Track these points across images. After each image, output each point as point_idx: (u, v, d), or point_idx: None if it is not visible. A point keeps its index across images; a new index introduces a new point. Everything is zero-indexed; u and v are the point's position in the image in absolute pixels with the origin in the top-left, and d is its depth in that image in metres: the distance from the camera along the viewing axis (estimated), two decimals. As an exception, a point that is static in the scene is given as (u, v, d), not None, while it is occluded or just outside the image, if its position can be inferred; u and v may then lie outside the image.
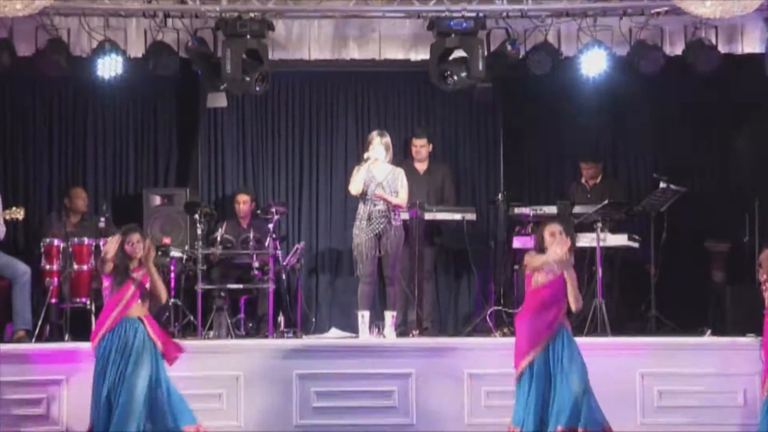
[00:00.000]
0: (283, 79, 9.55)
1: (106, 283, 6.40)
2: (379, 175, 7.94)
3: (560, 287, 6.22)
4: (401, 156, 9.39)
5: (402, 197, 7.96)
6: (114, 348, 6.24)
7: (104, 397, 6.19)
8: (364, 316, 7.89)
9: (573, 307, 6.22)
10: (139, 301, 6.39)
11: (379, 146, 7.94)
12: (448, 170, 9.26)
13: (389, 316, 8.00)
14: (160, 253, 8.47)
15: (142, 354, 6.25)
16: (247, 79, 8.19)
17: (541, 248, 6.30)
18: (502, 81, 9.31)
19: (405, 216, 8.36)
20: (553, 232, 6.28)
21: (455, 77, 8.37)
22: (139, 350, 6.25)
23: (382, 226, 7.87)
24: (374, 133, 8.06)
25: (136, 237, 6.40)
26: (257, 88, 8.29)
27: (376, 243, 7.85)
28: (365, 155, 7.94)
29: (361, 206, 7.96)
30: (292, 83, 9.67)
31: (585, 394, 6.10)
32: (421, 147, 9.11)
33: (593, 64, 8.54)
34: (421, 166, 9.14)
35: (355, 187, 7.91)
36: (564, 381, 6.08)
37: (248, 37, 8.18)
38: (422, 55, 8.72)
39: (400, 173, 8.00)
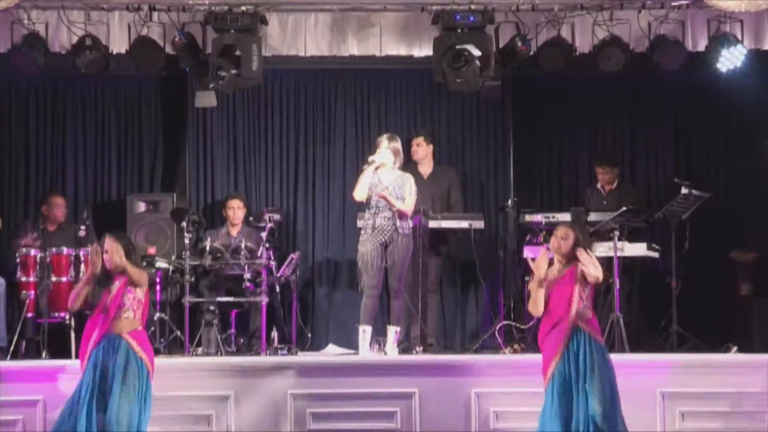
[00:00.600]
0: (277, 77, 9.58)
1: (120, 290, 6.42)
2: (386, 180, 7.98)
3: (567, 287, 6.30)
4: (405, 158, 9.42)
5: (408, 204, 7.99)
6: (94, 367, 6.24)
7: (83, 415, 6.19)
8: (365, 331, 7.90)
9: (591, 278, 6.29)
10: (125, 314, 6.38)
11: (386, 151, 7.96)
12: (454, 175, 9.27)
13: (392, 332, 8.01)
14: (144, 263, 8.49)
15: (127, 373, 6.24)
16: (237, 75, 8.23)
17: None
18: (512, 79, 9.33)
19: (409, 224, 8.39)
20: (556, 233, 6.45)
21: (462, 75, 8.39)
22: (123, 369, 6.24)
23: (388, 235, 7.90)
24: (383, 137, 8.10)
25: (105, 244, 6.46)
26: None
27: (382, 252, 7.87)
28: (370, 158, 7.95)
29: (366, 214, 7.98)
30: (286, 81, 9.69)
31: (611, 407, 6.16)
32: (416, 146, 9.12)
33: (610, 60, 8.56)
34: (425, 170, 9.16)
35: (359, 193, 7.93)
36: (590, 391, 6.13)
37: (239, 31, 8.20)
38: (426, 51, 8.73)
39: (408, 179, 8.03)
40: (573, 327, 6.25)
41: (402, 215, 7.96)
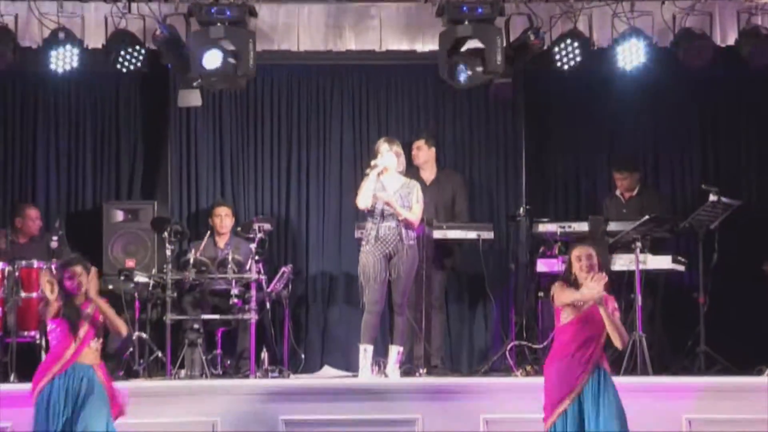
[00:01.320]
0: (267, 74, 9.59)
1: (51, 326, 6.36)
2: (391, 187, 8.00)
3: (596, 320, 6.16)
4: (411, 164, 9.45)
5: (416, 212, 8.02)
6: (60, 398, 6.21)
7: None
8: (366, 351, 7.91)
9: (618, 345, 6.19)
10: (93, 344, 6.37)
11: (388, 154, 7.99)
12: (460, 180, 9.28)
13: (394, 352, 8.02)
14: (122, 277, 8.51)
15: (95, 405, 6.22)
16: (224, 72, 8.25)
17: (569, 275, 6.28)
18: (524, 76, 9.35)
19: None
20: (579, 256, 6.22)
21: (469, 72, 8.40)
22: (92, 401, 6.22)
23: (392, 246, 7.92)
24: (382, 141, 8.13)
25: (77, 270, 6.36)
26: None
27: (385, 265, 7.90)
28: (372, 162, 7.98)
29: (368, 223, 8.01)
30: (278, 79, 9.71)
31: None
32: (417, 149, 9.13)
33: (631, 56, 8.58)
34: (427, 176, 9.17)
35: (363, 200, 7.97)
36: (604, 418, 6.07)
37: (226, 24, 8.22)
38: (430, 45, 8.75)
39: (415, 186, 8.08)
40: (595, 366, 6.17)
41: (408, 225, 7.98)
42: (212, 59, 8.26)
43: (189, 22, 8.53)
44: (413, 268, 8.00)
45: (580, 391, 6.08)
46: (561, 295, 6.18)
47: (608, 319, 6.10)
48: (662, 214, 8.79)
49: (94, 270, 6.42)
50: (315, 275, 9.58)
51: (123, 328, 6.51)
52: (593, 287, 6.04)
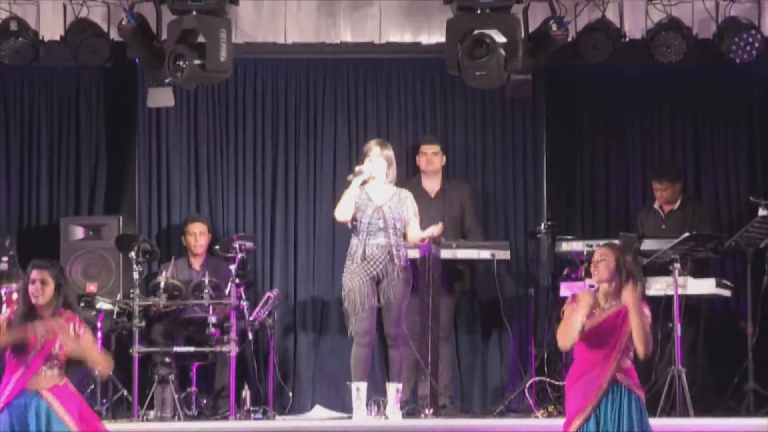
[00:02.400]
0: (250, 70, 9.62)
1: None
2: (379, 198, 7.98)
3: (611, 329, 6.19)
4: (406, 172, 9.45)
5: (417, 228, 8.00)
6: None
7: None
8: (359, 390, 7.89)
9: (640, 353, 6.22)
10: (47, 370, 6.37)
11: (378, 159, 7.98)
12: (469, 192, 9.30)
13: (393, 390, 8.00)
14: (82, 304, 8.50)
15: None
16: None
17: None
18: (546, 72, 9.38)
19: (414, 254, 8.41)
20: (596, 259, 6.27)
21: (483, 67, 8.43)
22: None
23: (381, 267, 7.89)
24: (372, 143, 8.12)
25: (44, 275, 6.36)
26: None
27: (373, 289, 7.88)
28: (357, 167, 7.99)
29: (353, 240, 8.00)
30: (262, 75, 9.72)
31: None
32: (432, 155, 9.15)
33: (668, 49, 8.61)
34: (431, 187, 9.19)
35: (342, 212, 7.94)
36: None
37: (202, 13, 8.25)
38: (437, 37, 8.78)
39: (407, 197, 8.04)
40: (611, 381, 6.22)
41: (399, 230, 7.92)
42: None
43: (160, 10, 8.55)
44: (406, 293, 7.98)
45: (595, 406, 6.10)
46: (569, 315, 6.23)
47: (635, 313, 6.09)
48: (706, 230, 8.81)
49: (76, 323, 6.43)
50: (305, 301, 9.58)
51: (106, 366, 6.50)
52: (629, 295, 6.08)
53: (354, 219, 7.95)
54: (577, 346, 6.26)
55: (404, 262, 7.96)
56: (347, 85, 9.75)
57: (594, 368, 6.18)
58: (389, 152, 8.04)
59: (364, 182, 8.00)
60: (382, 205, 7.93)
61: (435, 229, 8.07)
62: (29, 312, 6.36)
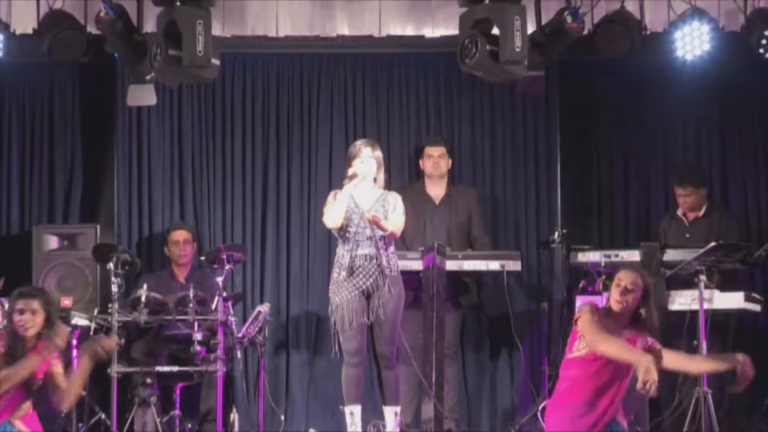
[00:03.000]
0: (239, 66, 9.63)
1: None
2: (365, 202, 7.96)
3: (619, 363, 6.18)
4: (408, 176, 9.46)
5: (396, 222, 7.96)
6: None
7: None
8: (353, 414, 7.89)
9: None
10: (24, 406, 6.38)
11: (370, 160, 7.97)
12: (478, 197, 9.32)
13: (391, 413, 8.00)
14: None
15: None
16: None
17: (608, 307, 6.33)
18: (560, 67, 9.40)
19: (416, 265, 8.41)
20: (620, 282, 6.28)
21: (490, 63, 8.44)
22: None
23: (371, 279, 7.88)
24: (360, 144, 8.08)
25: (32, 304, 6.38)
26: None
27: (363, 304, 7.87)
28: (350, 170, 7.97)
29: (339, 249, 7.98)
30: (252, 72, 9.73)
31: None
32: (439, 158, 9.16)
33: (692, 43, 8.63)
34: (436, 191, 9.20)
35: (333, 218, 7.90)
36: None
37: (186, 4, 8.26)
38: (441, 30, 8.80)
39: (394, 198, 8.01)
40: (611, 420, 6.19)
41: (389, 239, 7.90)
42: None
43: (141, 1, 8.56)
44: (399, 309, 7.96)
45: None
46: (588, 319, 6.20)
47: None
48: (734, 239, 8.81)
49: (64, 329, 6.45)
50: (298, 316, 9.58)
51: (68, 403, 6.52)
52: (647, 374, 5.94)
53: (341, 227, 7.94)
54: (573, 363, 6.25)
55: (395, 273, 7.94)
56: (344, 83, 9.76)
57: (595, 407, 6.13)
58: (379, 153, 8.05)
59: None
60: (369, 209, 7.93)
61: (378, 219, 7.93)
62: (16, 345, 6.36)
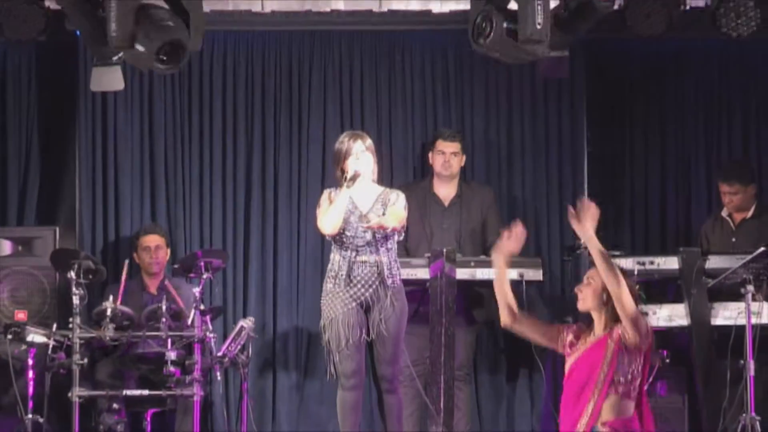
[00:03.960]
0: (219, 46, 9.65)
1: None
2: (363, 201, 7.95)
3: (592, 361, 6.28)
4: (412, 173, 9.47)
5: (397, 213, 7.93)
6: None
7: None
8: (349, 443, 7.92)
9: (628, 336, 6.24)
10: None
11: (364, 154, 7.96)
12: (490, 195, 9.33)
13: (394, 441, 8.02)
14: (9, 336, 8.50)
15: None
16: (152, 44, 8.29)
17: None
18: (587, 48, 9.42)
19: (422, 273, 8.42)
20: (582, 286, 6.49)
21: (507, 42, 8.45)
22: None
23: (371, 290, 7.87)
24: (347, 139, 8.01)
25: None
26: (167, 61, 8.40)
27: (361, 318, 7.87)
28: (349, 169, 7.94)
29: (334, 255, 7.95)
30: (234, 52, 9.74)
31: None
32: (452, 155, 9.18)
33: (737, 19, 8.62)
34: (446, 191, 9.22)
35: (331, 223, 7.87)
36: None
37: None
38: (451, 4, 8.80)
39: (396, 195, 8.00)
40: None
41: (392, 244, 7.91)
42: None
43: (105, -28, 8.58)
44: (402, 324, 7.96)
45: None
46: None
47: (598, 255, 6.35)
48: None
49: None
50: (286, 332, 9.59)
51: None
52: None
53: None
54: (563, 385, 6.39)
55: (397, 283, 7.93)
56: (339, 65, 9.77)
57: (572, 409, 6.30)
58: (370, 142, 8.05)
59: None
60: (367, 211, 7.93)
61: (379, 220, 7.96)
62: None
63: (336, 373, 7.92)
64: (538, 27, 8.10)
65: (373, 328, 7.87)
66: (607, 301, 6.34)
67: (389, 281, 7.88)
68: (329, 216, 7.88)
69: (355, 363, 7.85)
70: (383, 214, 7.93)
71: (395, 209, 7.95)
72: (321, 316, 7.95)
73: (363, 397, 8.09)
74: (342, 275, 7.86)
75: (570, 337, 6.48)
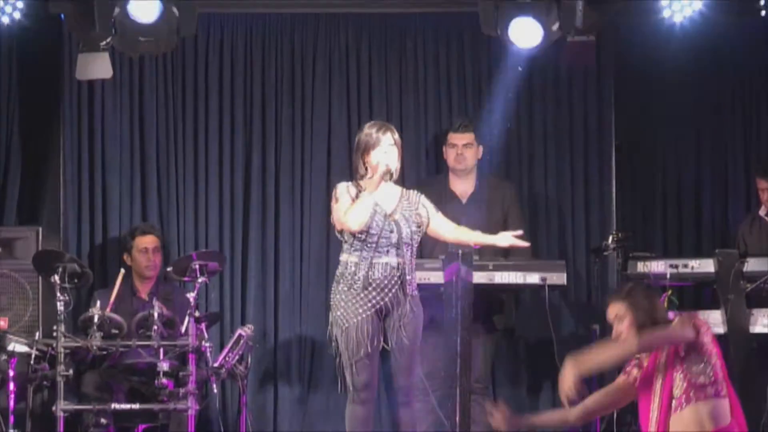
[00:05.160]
0: (215, 31, 9.67)
1: None
2: (386, 203, 7.93)
3: (648, 390, 6.35)
4: (425, 169, 9.46)
5: (451, 224, 8.02)
6: None
7: None
8: (359, 460, 7.91)
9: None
10: None
11: (391, 148, 7.91)
12: (515, 193, 9.35)
13: (407, 461, 8.02)
14: (-11, 345, 8.54)
15: None
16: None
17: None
18: (616, 32, 9.42)
19: (435, 277, 8.46)
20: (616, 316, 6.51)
21: (523, 27, 8.47)
22: None
23: (390, 295, 7.85)
24: (373, 130, 7.96)
25: None
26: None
27: (378, 327, 7.85)
28: (381, 163, 7.86)
29: (349, 257, 7.91)
30: (231, 37, 9.76)
31: None
32: (464, 147, 9.18)
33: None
34: (463, 187, 9.24)
35: (358, 220, 7.76)
36: None
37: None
38: (466, -15, 8.84)
39: (420, 198, 7.99)
40: None
41: (416, 247, 7.91)
42: (147, 8, 8.36)
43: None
44: (419, 332, 7.95)
45: None
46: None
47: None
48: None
49: None
50: (288, 341, 9.62)
51: None
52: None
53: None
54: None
55: (416, 290, 7.92)
56: (345, 50, 9.79)
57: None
58: (398, 138, 8.01)
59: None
60: (392, 212, 7.91)
61: (511, 239, 8.04)
62: None
63: (350, 386, 7.87)
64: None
65: (392, 335, 7.84)
66: (643, 325, 6.37)
67: (408, 286, 7.86)
68: (355, 212, 7.78)
69: (368, 374, 7.82)
70: (418, 225, 7.90)
71: (439, 221, 7.99)
72: (332, 324, 7.89)
73: (373, 412, 8.08)
74: (359, 278, 7.83)
75: (635, 372, 6.51)
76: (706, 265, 8.78)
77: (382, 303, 7.79)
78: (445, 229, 7.98)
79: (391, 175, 7.82)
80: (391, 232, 7.82)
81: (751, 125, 9.80)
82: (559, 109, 9.77)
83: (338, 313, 7.78)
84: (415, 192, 8.01)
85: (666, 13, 8.98)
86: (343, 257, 7.86)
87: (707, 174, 9.86)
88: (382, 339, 7.83)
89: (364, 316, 7.76)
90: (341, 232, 7.83)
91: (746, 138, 9.82)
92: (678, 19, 8.83)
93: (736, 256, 8.80)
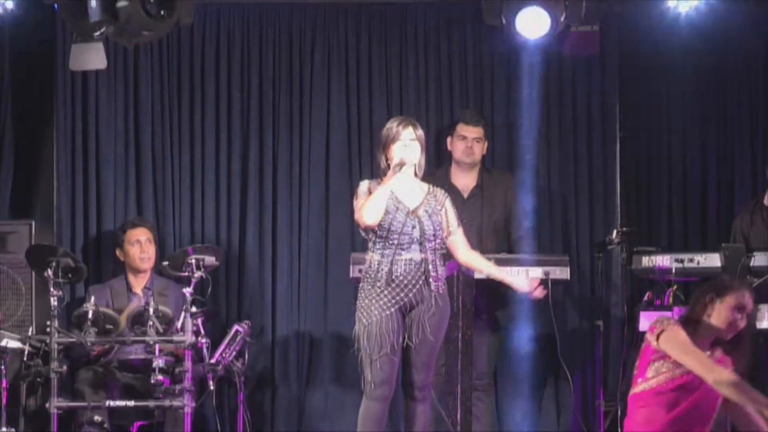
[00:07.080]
0: (212, 21, 9.68)
1: None
2: (411, 199, 7.93)
3: (709, 392, 6.31)
4: (428, 162, 9.44)
5: (469, 250, 8.01)
6: None
7: None
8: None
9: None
10: None
11: (412, 143, 7.89)
12: (513, 184, 9.37)
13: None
14: (-20, 342, 8.56)
15: None
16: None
17: (698, 320, 6.40)
18: (620, 20, 9.44)
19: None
20: (742, 305, 6.48)
21: (530, 17, 8.47)
22: None
23: (414, 291, 7.83)
24: (395, 125, 7.96)
25: None
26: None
27: (400, 323, 7.84)
28: (397, 156, 7.85)
29: (373, 255, 7.89)
30: (228, 28, 9.76)
31: None
32: (474, 141, 9.21)
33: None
34: (466, 181, 9.27)
35: (372, 214, 7.75)
36: None
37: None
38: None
39: (446, 199, 7.97)
40: None
41: (441, 244, 7.92)
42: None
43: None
44: (443, 328, 7.96)
45: None
46: (679, 337, 6.40)
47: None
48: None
49: None
50: (286, 338, 9.62)
51: None
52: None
53: (381, 226, 7.89)
54: (651, 393, 6.39)
55: (441, 287, 7.89)
56: (345, 41, 9.80)
57: None
58: (421, 132, 7.96)
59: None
60: (416, 208, 7.91)
61: (528, 284, 8.07)
62: None
63: (369, 384, 7.85)
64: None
65: (416, 331, 7.83)
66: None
67: (433, 283, 7.85)
68: (369, 207, 7.80)
69: (388, 371, 7.81)
70: (442, 213, 7.91)
71: (459, 235, 8.01)
72: (358, 321, 7.87)
73: (387, 411, 8.06)
74: (381, 275, 7.83)
75: None
76: (712, 260, 8.79)
77: (405, 299, 7.77)
78: (461, 252, 7.96)
79: (400, 166, 7.81)
80: (414, 228, 7.82)
81: (758, 116, 9.78)
82: (563, 101, 9.76)
83: (363, 311, 7.80)
84: (442, 191, 7.99)
85: (671, 3, 9.01)
86: (368, 255, 7.86)
87: (713, 166, 9.84)
88: (405, 336, 7.85)
89: (387, 313, 7.75)
90: (366, 230, 7.85)
91: (753, 129, 9.79)
92: (684, 9, 8.81)
93: (742, 250, 8.80)
